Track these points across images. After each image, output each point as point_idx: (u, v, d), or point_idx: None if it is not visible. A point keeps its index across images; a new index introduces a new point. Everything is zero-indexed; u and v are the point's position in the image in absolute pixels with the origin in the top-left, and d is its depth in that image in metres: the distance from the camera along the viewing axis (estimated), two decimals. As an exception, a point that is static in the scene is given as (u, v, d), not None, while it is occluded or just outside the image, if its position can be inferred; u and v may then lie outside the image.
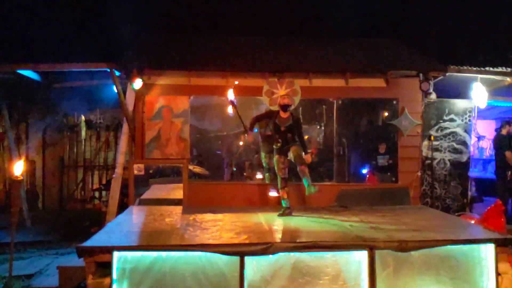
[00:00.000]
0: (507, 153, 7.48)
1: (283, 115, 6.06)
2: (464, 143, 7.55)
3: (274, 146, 6.09)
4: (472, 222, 6.03)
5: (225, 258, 4.21)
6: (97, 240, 4.51)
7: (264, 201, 7.30)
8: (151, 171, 7.59)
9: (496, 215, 5.87)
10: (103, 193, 9.80)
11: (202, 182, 7.71)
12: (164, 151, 7.36)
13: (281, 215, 5.97)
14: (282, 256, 4.28)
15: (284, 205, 6.07)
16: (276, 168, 6.12)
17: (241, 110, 8.20)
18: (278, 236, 4.78)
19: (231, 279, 4.18)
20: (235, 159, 8.50)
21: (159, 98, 7.40)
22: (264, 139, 7.16)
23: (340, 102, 7.65)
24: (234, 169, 8.47)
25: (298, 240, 4.52)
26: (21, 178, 5.06)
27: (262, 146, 7.45)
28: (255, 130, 6.71)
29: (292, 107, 6.62)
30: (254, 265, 4.24)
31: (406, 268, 4.40)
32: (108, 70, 6.82)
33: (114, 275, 4.13)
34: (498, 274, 4.48)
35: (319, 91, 7.54)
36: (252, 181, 7.93)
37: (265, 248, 4.23)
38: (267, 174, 7.55)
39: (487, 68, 7.34)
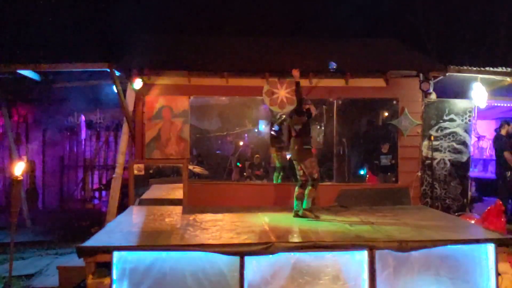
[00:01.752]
0: (506, 154, 7.48)
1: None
2: (464, 143, 7.55)
3: (308, 147, 5.93)
4: (472, 222, 6.04)
5: (225, 258, 4.21)
6: (97, 240, 4.51)
7: (264, 201, 7.30)
8: (151, 171, 7.59)
9: (496, 215, 5.87)
10: (103, 193, 9.82)
11: (202, 182, 7.71)
12: (164, 151, 7.36)
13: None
14: (282, 256, 4.28)
15: (305, 206, 5.87)
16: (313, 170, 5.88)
17: (241, 110, 8.25)
18: (278, 236, 4.77)
19: (231, 279, 4.18)
20: (244, 159, 8.49)
21: (159, 98, 7.40)
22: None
23: (340, 102, 7.64)
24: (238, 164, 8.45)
25: (298, 240, 4.52)
26: (21, 178, 5.07)
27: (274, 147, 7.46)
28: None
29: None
30: (254, 265, 4.24)
31: (406, 268, 4.40)
32: (108, 70, 6.81)
33: (114, 275, 4.14)
34: (498, 274, 4.48)
35: (319, 91, 7.53)
36: (252, 181, 7.93)
37: (265, 248, 4.23)
38: (277, 173, 7.55)
39: (487, 68, 7.34)
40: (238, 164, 8.45)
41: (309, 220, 5.71)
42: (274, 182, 7.69)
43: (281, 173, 7.73)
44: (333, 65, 6.57)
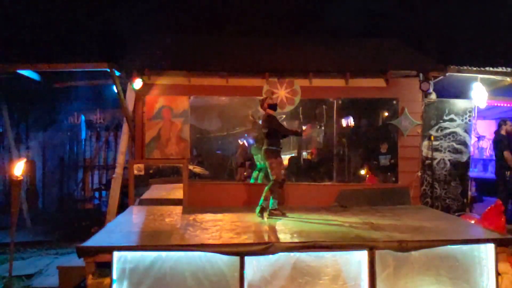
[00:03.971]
0: (506, 153, 7.48)
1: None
2: (464, 143, 7.55)
3: (277, 148, 6.06)
4: (472, 222, 6.04)
5: (225, 258, 4.21)
6: (97, 240, 4.51)
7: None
8: (151, 171, 7.59)
9: (496, 215, 5.87)
10: (103, 193, 9.82)
11: (202, 182, 7.71)
12: (164, 151, 7.36)
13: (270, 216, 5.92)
14: (282, 256, 4.29)
15: (272, 206, 6.02)
16: (274, 171, 6.00)
17: (241, 110, 8.24)
18: (278, 236, 4.78)
19: (231, 279, 4.19)
20: (244, 159, 8.47)
21: (159, 98, 7.40)
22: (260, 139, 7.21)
23: (340, 102, 7.65)
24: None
25: (298, 240, 4.52)
26: (21, 178, 5.07)
27: (258, 147, 7.46)
28: None
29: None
30: (254, 265, 4.25)
31: (406, 268, 4.40)
32: (108, 70, 6.81)
33: (114, 275, 4.14)
34: (498, 274, 4.48)
35: (319, 91, 7.54)
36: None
37: (265, 248, 4.24)
38: (256, 173, 7.53)
39: (487, 68, 7.34)
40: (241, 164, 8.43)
41: (309, 220, 5.72)
42: (259, 181, 7.65)
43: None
44: None
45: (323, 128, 8.25)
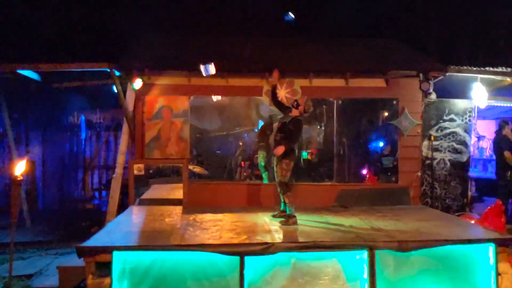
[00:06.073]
0: (506, 153, 7.48)
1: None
2: (464, 143, 7.55)
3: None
4: (472, 222, 6.04)
5: (225, 258, 4.21)
6: (97, 240, 4.51)
7: (264, 201, 7.29)
8: (151, 171, 7.59)
9: (496, 215, 5.88)
10: (103, 193, 9.83)
11: (202, 182, 7.71)
12: (164, 151, 7.36)
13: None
14: (282, 256, 4.29)
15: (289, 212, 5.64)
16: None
17: (241, 110, 8.26)
18: (278, 236, 4.78)
19: (231, 279, 4.19)
20: (244, 159, 8.48)
21: (159, 98, 7.40)
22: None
23: (340, 102, 7.65)
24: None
25: (298, 240, 4.53)
26: (21, 178, 5.07)
27: (265, 147, 7.46)
28: None
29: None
30: (254, 265, 4.25)
31: (406, 268, 4.40)
32: (108, 70, 6.81)
33: (114, 275, 4.14)
34: (498, 274, 4.49)
35: (319, 91, 7.53)
36: (252, 181, 7.93)
37: (265, 248, 4.24)
38: (266, 173, 7.54)
39: (487, 68, 7.34)
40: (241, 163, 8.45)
41: (309, 220, 5.71)
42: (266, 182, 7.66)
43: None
44: (290, 16, 6.11)
45: (323, 128, 8.26)
